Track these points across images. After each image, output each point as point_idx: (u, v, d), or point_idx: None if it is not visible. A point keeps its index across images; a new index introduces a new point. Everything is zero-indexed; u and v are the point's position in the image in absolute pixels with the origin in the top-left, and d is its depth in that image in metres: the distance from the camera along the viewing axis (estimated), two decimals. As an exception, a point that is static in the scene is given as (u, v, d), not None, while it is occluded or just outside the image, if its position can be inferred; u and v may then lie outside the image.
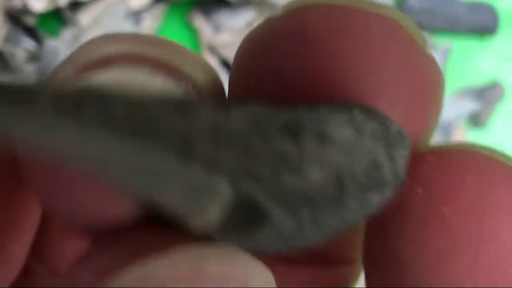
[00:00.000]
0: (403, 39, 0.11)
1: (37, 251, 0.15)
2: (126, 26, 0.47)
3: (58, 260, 0.15)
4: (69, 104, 0.08)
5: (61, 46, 0.45)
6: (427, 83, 0.11)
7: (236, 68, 0.12)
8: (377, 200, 0.10)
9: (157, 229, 0.10)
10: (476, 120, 0.55)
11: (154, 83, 0.11)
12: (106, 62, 0.11)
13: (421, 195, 0.10)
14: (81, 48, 0.12)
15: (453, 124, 0.54)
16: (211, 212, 0.09)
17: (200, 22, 0.52)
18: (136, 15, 0.51)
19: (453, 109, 0.53)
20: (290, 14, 0.11)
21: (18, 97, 0.08)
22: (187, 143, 0.09)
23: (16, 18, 0.50)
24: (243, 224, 0.09)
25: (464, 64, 0.55)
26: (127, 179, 0.09)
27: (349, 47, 0.10)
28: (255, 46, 0.11)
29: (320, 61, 0.10)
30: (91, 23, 0.49)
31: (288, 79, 0.11)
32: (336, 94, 0.10)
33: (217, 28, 0.52)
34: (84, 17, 0.50)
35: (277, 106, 0.10)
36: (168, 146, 0.09)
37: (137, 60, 0.11)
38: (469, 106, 0.54)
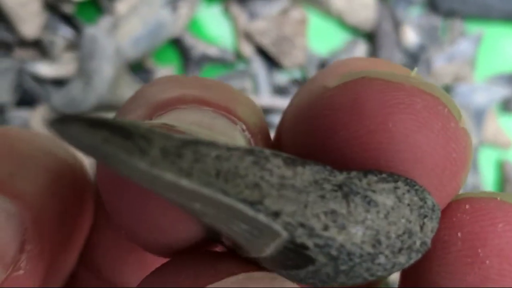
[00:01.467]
0: (442, 115, 0.12)
1: (84, 256, 0.16)
2: (163, 14, 0.48)
3: (104, 266, 0.17)
4: (173, 152, 0.11)
5: (99, 34, 0.46)
6: (461, 153, 0.12)
7: (290, 127, 0.14)
8: (404, 261, 0.12)
9: (218, 254, 0.13)
10: (507, 106, 0.55)
11: (217, 125, 0.13)
12: (173, 104, 0.13)
13: (460, 238, 0.13)
14: (148, 88, 0.14)
15: (485, 110, 0.54)
16: (267, 250, 0.11)
17: (236, 9, 0.52)
18: (173, 3, 0.51)
19: (484, 95, 0.54)
20: (344, 88, 0.12)
21: (134, 142, 0.10)
22: (259, 190, 0.11)
23: (54, 6, 0.51)
24: (292, 262, 0.11)
25: (496, 50, 0.55)
26: (208, 213, 0.11)
27: (395, 120, 0.12)
28: (311, 114, 0.13)
29: (369, 131, 0.12)
30: (129, 11, 0.50)
31: (340, 145, 0.12)
32: (381, 162, 0.12)
33: (252, 16, 0.52)
34: (121, 5, 0.50)
35: (333, 168, 0.12)
36: (243, 191, 0.11)
37: (200, 103, 0.13)
38: (501, 92, 0.54)
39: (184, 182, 0.10)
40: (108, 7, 0.51)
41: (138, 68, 0.52)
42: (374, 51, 0.53)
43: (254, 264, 0.12)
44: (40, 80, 0.50)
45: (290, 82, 0.53)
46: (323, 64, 0.53)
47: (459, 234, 0.13)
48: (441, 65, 0.54)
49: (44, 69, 0.49)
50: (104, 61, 0.45)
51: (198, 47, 0.53)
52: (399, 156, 0.12)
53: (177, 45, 0.53)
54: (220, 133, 0.13)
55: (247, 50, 0.52)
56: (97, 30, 0.45)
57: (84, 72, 0.46)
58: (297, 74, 0.54)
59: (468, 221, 0.13)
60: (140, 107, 0.13)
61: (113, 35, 0.48)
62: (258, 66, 0.52)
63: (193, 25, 0.54)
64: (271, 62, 0.53)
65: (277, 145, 0.14)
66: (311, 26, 0.53)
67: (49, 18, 0.51)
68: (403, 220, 0.12)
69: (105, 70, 0.45)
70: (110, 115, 0.49)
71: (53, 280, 0.15)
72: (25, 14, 0.48)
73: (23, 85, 0.50)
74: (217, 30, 0.54)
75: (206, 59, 0.53)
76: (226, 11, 0.53)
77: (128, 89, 0.47)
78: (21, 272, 0.13)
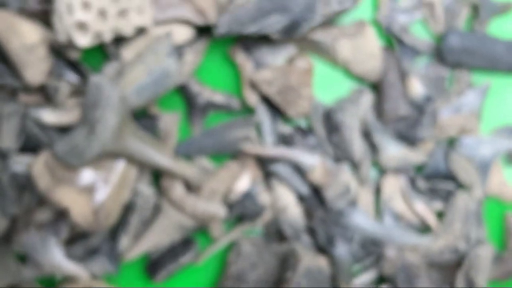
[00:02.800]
0: None
1: None
2: (169, 62, 0.48)
3: None
4: None
5: (104, 82, 0.46)
6: None
7: None
8: None
9: None
10: (513, 159, 0.55)
11: None
12: None
13: None
14: None
15: (490, 161, 0.54)
16: None
17: (241, 57, 0.52)
18: (178, 50, 0.51)
19: (490, 147, 0.53)
20: None
21: None
22: None
23: (60, 52, 0.51)
24: None
25: (503, 102, 0.55)
26: None
27: None
28: None
29: None
30: (134, 59, 0.50)
31: None
32: None
33: (258, 64, 0.52)
34: (127, 52, 0.50)
35: None
36: None
37: None
38: (506, 144, 0.54)
39: None
40: (114, 54, 0.51)
41: (142, 114, 0.52)
42: (379, 101, 0.53)
43: None
44: (43, 126, 0.50)
45: (294, 131, 0.53)
46: (327, 114, 0.52)
47: None
48: (447, 117, 0.53)
49: (48, 116, 0.49)
50: (109, 109, 0.45)
51: (203, 94, 0.53)
52: None
53: (182, 91, 0.53)
54: None
55: (252, 98, 0.52)
56: (102, 78, 0.45)
57: (88, 120, 0.46)
58: (302, 123, 0.54)
59: None
60: None
61: (118, 83, 0.48)
62: (262, 114, 0.52)
63: (199, 71, 0.54)
64: (276, 110, 0.52)
65: None
66: (317, 75, 0.53)
67: (54, 64, 0.51)
68: None
69: (109, 118, 0.45)
70: (113, 162, 0.49)
71: None
72: (31, 59, 0.48)
73: (27, 130, 0.50)
74: (222, 77, 0.54)
75: (211, 106, 0.53)
76: (232, 59, 0.53)
77: (132, 137, 0.47)
78: None
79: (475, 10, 0.55)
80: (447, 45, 0.53)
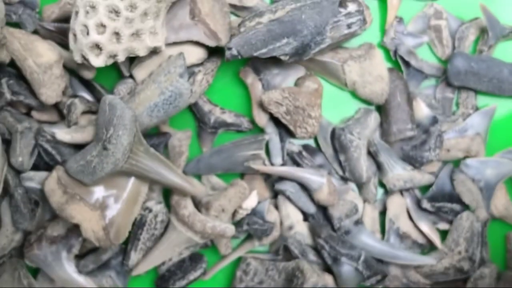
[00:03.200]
0: None
1: None
2: (181, 81, 0.49)
3: None
4: None
5: (117, 102, 0.47)
6: None
7: None
8: None
9: None
10: (518, 180, 0.55)
11: None
12: None
13: None
14: None
15: (495, 183, 0.54)
16: None
17: (251, 78, 0.53)
18: (190, 70, 0.52)
19: (495, 169, 0.54)
20: None
21: None
22: None
23: (74, 71, 0.52)
24: None
25: (508, 124, 0.56)
26: None
27: None
28: None
29: None
30: (147, 79, 0.51)
31: None
32: None
33: (268, 85, 0.53)
34: (140, 72, 0.51)
35: None
36: None
37: None
38: (511, 166, 0.54)
39: None
40: (127, 74, 0.52)
41: (153, 132, 0.53)
42: (386, 122, 0.54)
43: None
44: (56, 143, 0.51)
45: (302, 150, 0.54)
46: (335, 134, 0.53)
47: None
48: (453, 139, 0.54)
49: (61, 133, 0.50)
50: (121, 129, 0.46)
51: (214, 112, 0.54)
52: None
53: (193, 109, 0.54)
54: None
55: (262, 118, 0.53)
56: (115, 98, 0.46)
57: (100, 138, 0.47)
58: (310, 142, 0.55)
59: None
60: None
61: (131, 102, 0.49)
62: (271, 133, 0.53)
63: (209, 90, 0.55)
64: (285, 129, 0.53)
65: None
66: (325, 96, 0.54)
67: (69, 82, 0.52)
68: None
69: (122, 137, 0.46)
70: (124, 180, 0.50)
71: None
72: (46, 79, 0.49)
73: (41, 146, 0.51)
74: (232, 97, 0.55)
75: (221, 125, 0.54)
76: (242, 79, 0.54)
77: (144, 155, 0.48)
78: None
79: (483, 34, 0.56)
80: (453, 67, 0.53)
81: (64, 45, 0.51)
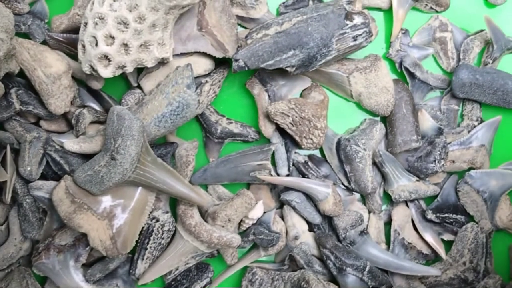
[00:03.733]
0: None
1: None
2: (188, 92, 0.49)
3: None
4: None
5: (125, 113, 0.47)
6: None
7: None
8: None
9: None
10: (522, 192, 0.55)
11: None
12: None
13: None
14: None
15: (499, 195, 0.55)
16: None
17: (257, 89, 0.54)
18: (197, 81, 0.52)
19: (500, 180, 0.54)
20: None
21: None
22: None
23: (83, 81, 0.52)
24: None
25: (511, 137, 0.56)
26: None
27: None
28: None
29: None
30: (155, 89, 0.51)
31: None
32: None
33: (274, 96, 0.54)
34: (148, 83, 0.52)
35: None
36: None
37: None
38: (516, 177, 0.55)
39: None
40: (135, 84, 0.52)
41: (160, 142, 0.54)
42: (391, 133, 0.54)
43: None
44: (65, 152, 0.51)
45: (308, 161, 0.54)
46: (341, 144, 0.54)
47: None
48: (458, 150, 0.54)
49: (70, 143, 0.51)
50: (129, 139, 0.46)
51: (221, 122, 0.54)
52: None
53: (200, 120, 0.55)
54: None
55: (268, 128, 0.53)
56: (123, 109, 0.47)
57: (108, 148, 0.47)
58: (315, 153, 0.55)
59: None
60: None
61: (139, 112, 0.50)
62: (278, 144, 0.54)
63: (217, 100, 0.55)
64: (291, 140, 0.54)
65: None
66: (330, 107, 0.55)
67: (77, 93, 0.52)
68: None
69: (130, 147, 0.46)
70: (131, 190, 0.50)
71: None
72: (55, 89, 0.50)
73: (49, 156, 0.51)
74: (239, 108, 0.55)
75: (227, 135, 0.54)
76: (249, 90, 0.54)
77: (151, 165, 0.49)
78: None
79: (488, 46, 0.56)
80: (458, 79, 0.54)
81: (73, 56, 0.52)
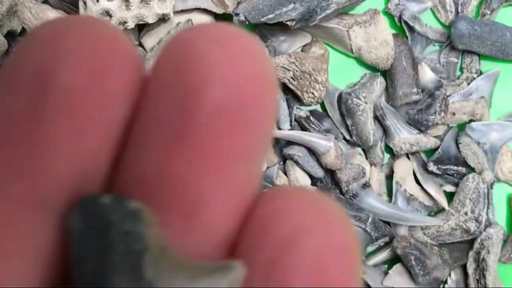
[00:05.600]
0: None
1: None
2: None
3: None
4: None
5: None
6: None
7: None
8: None
9: None
10: (522, 143, 0.56)
11: None
12: None
13: None
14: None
15: (499, 146, 0.55)
16: None
17: (258, 45, 0.54)
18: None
19: (500, 132, 0.55)
20: None
21: None
22: None
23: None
24: None
25: (511, 88, 0.57)
26: None
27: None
28: None
29: None
30: (156, 45, 0.52)
31: None
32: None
33: (274, 51, 0.54)
34: (149, 40, 0.52)
35: None
36: None
37: None
38: (516, 129, 0.55)
39: None
40: (136, 42, 0.53)
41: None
42: (391, 87, 0.54)
43: None
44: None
45: (310, 115, 0.55)
46: (342, 98, 0.54)
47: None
48: (458, 102, 0.55)
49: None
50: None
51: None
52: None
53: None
54: None
55: (269, 84, 0.54)
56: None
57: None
58: (317, 108, 0.56)
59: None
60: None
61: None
62: (279, 99, 0.54)
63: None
64: (292, 95, 0.54)
65: None
66: (331, 63, 0.55)
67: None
68: None
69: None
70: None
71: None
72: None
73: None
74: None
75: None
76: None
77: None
78: None
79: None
80: (457, 31, 0.54)
81: (75, 13, 0.52)
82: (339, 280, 0.13)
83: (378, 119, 0.55)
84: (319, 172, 0.54)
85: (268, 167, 0.54)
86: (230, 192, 0.13)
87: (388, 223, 0.54)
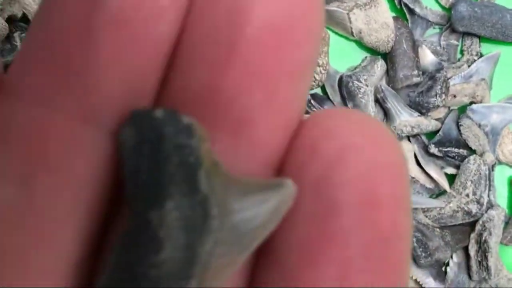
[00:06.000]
0: None
1: None
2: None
3: None
4: None
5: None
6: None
7: None
8: None
9: None
10: (523, 125, 0.56)
11: None
12: None
13: None
14: None
15: (501, 128, 0.55)
16: None
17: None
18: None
19: (501, 114, 0.55)
20: None
21: None
22: None
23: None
24: None
25: (512, 70, 0.57)
26: None
27: None
28: None
29: None
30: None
31: None
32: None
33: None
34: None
35: None
36: None
37: None
38: (516, 111, 0.55)
39: None
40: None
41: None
42: (392, 70, 0.54)
43: None
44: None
45: (311, 99, 0.55)
46: (342, 81, 0.54)
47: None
48: (459, 85, 0.55)
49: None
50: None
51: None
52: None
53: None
54: None
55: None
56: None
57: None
58: (318, 91, 0.56)
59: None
60: None
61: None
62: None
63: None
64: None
65: None
66: (331, 46, 0.55)
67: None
68: None
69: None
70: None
71: None
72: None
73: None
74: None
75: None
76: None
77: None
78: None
79: (484, -18, 0.57)
80: (457, 12, 0.54)
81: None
82: (388, 197, 0.12)
83: (379, 101, 0.55)
84: (320, 155, 0.54)
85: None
86: (277, 110, 0.13)
87: (390, 206, 0.54)
